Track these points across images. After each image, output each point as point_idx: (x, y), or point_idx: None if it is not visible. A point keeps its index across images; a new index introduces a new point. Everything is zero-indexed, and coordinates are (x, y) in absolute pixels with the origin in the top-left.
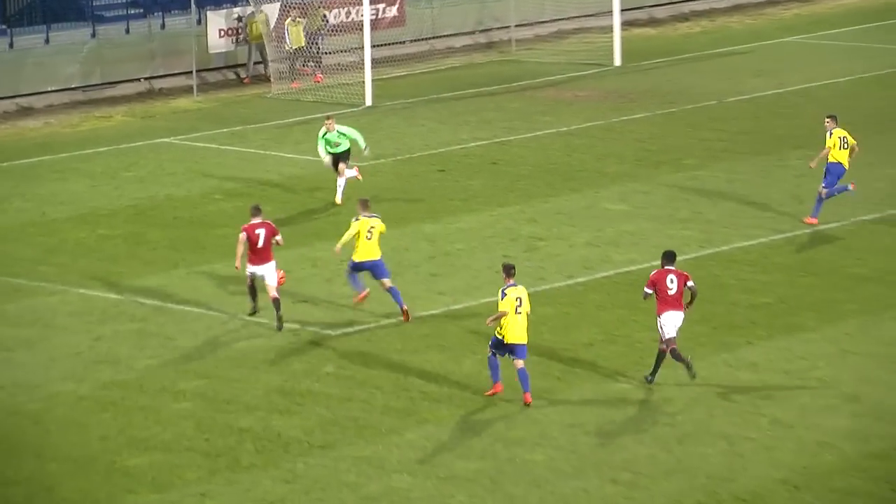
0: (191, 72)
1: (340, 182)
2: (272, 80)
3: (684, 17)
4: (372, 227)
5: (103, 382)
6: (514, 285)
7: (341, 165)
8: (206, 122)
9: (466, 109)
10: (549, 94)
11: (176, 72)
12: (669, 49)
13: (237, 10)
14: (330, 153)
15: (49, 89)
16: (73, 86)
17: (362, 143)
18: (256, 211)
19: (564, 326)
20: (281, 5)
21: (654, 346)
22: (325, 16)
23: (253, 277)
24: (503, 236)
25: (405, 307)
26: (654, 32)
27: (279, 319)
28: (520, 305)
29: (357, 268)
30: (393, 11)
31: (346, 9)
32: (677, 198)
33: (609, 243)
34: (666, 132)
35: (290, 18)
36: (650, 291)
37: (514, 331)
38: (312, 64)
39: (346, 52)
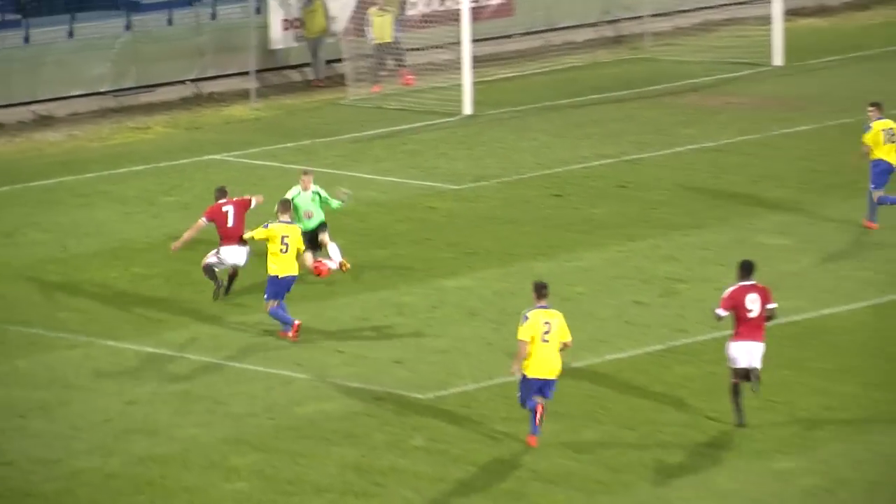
0: (248, 72)
1: (332, 252)
2: (348, 82)
3: (863, 6)
4: (286, 237)
5: (138, 457)
6: (546, 307)
7: (322, 237)
8: (266, 134)
9: (588, 119)
10: (691, 101)
11: (230, 72)
12: (844, 45)
13: None
14: (303, 228)
15: (73, 94)
16: (102, 89)
17: (344, 200)
18: (222, 193)
19: (709, 390)
20: None
21: (825, 414)
22: (403, 2)
23: (216, 266)
24: (634, 277)
25: (296, 324)
26: (825, 24)
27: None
28: (548, 332)
29: (276, 285)
30: None
31: None
32: (852, 230)
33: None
34: (838, 148)
35: (375, 6)
36: (725, 314)
37: (540, 363)
38: (398, 62)
39: (439, 48)
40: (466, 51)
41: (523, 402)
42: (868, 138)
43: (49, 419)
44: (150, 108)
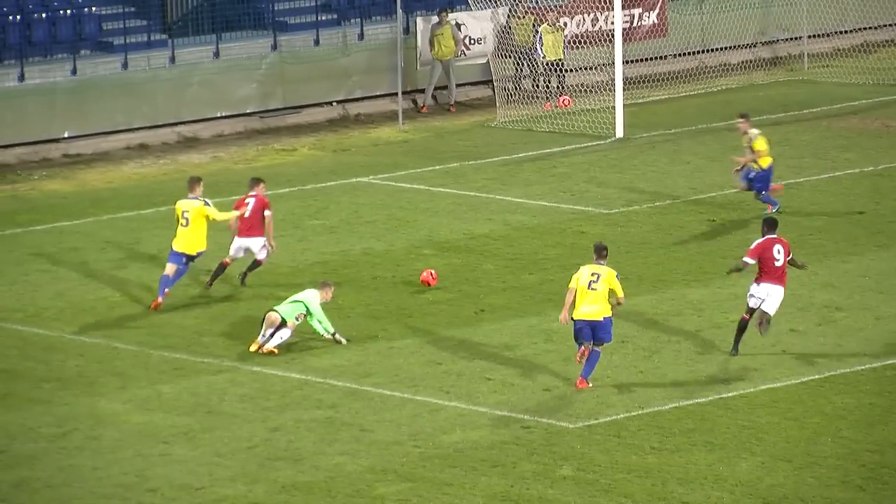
0: (396, 94)
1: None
2: (497, 103)
3: None
4: (186, 213)
5: (282, 485)
6: (601, 265)
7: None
8: (413, 157)
9: (744, 143)
10: (850, 125)
11: (377, 94)
12: None
13: (454, 16)
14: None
15: (218, 115)
16: (248, 111)
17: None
18: (255, 183)
19: (869, 421)
20: (510, 9)
21: None
22: (535, 23)
23: (231, 259)
24: (790, 305)
25: (160, 299)
26: None
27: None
28: (596, 281)
29: (173, 257)
30: (651, 18)
31: (591, 15)
32: None
33: None
34: None
35: (546, 23)
36: (752, 261)
37: (582, 306)
38: (560, 83)
39: (590, 69)
40: (619, 72)
41: (576, 341)
42: (759, 145)
43: (193, 445)
44: (296, 130)
